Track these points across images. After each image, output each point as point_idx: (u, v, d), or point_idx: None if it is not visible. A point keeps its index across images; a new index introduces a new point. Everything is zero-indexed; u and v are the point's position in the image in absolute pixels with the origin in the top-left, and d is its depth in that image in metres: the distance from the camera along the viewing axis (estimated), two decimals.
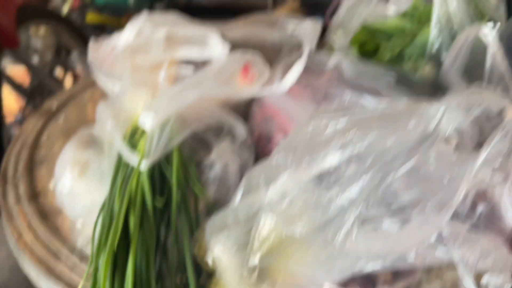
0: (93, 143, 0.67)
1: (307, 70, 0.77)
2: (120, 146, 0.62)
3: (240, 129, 0.72)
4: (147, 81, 0.76)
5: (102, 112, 0.68)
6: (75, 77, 2.24)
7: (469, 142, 0.59)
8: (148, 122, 0.63)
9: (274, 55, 0.85)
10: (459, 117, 0.38)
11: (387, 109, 0.36)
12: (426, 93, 0.69)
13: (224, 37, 0.79)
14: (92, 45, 0.68)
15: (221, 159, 0.67)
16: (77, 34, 2.26)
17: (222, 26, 0.80)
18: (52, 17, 2.15)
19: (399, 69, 0.69)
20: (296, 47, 0.81)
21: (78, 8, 2.82)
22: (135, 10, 2.68)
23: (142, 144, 0.65)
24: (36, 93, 1.96)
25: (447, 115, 0.34)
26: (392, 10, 0.85)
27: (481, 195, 0.56)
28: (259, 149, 0.76)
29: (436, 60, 0.67)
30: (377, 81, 0.65)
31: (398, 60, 0.73)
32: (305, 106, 0.70)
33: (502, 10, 0.70)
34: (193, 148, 0.74)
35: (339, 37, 0.78)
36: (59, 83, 2.14)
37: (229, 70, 0.70)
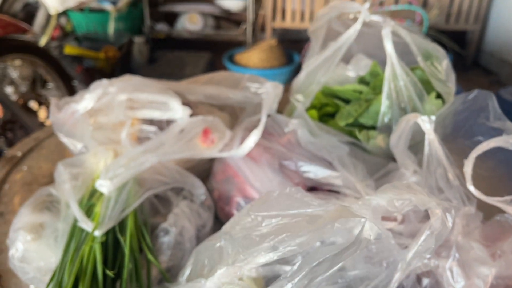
0: (50, 204, 0.68)
1: (267, 131, 0.79)
2: (75, 211, 0.62)
3: (199, 190, 0.74)
4: (109, 140, 0.77)
5: (61, 173, 0.68)
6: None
7: (413, 217, 0.61)
8: (104, 187, 0.64)
9: (238, 113, 0.87)
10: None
11: (318, 211, 0.37)
12: (378, 162, 0.72)
13: (186, 98, 0.82)
14: (53, 107, 0.69)
15: (178, 223, 0.68)
16: (54, 66, 2.26)
17: (187, 86, 0.82)
18: (29, 49, 2.15)
19: (352, 139, 0.71)
20: (258, 107, 0.83)
21: (57, 38, 2.83)
22: (115, 42, 2.70)
23: (99, 207, 0.65)
24: (8, 127, 1.95)
25: (368, 224, 0.36)
26: (352, 72, 0.88)
27: (424, 272, 0.59)
28: (219, 208, 0.77)
29: (388, 130, 0.70)
30: (331, 152, 0.67)
31: (353, 126, 0.75)
32: (263, 170, 0.72)
33: (451, 85, 0.73)
34: (152, 203, 0.75)
35: (299, 100, 0.81)
36: (33, 115, 2.12)
37: (189, 134, 0.71)
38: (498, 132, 0.66)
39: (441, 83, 0.71)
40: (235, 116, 0.92)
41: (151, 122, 0.80)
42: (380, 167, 0.71)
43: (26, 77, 2.30)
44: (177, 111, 0.73)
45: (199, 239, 0.72)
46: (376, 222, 0.38)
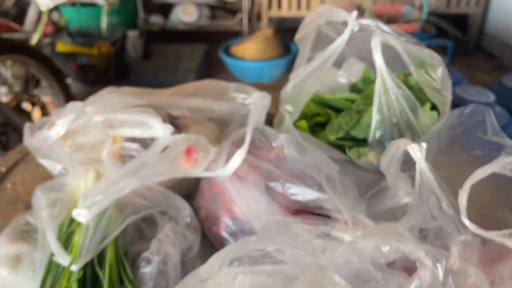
0: (27, 234, 0.65)
1: (255, 144, 0.76)
2: (51, 243, 0.59)
3: (184, 212, 0.71)
4: (90, 159, 0.74)
5: (38, 199, 0.65)
6: (44, 109, 2.20)
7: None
8: (82, 216, 0.61)
9: (228, 121, 0.84)
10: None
11: (295, 271, 0.34)
12: (371, 179, 0.69)
13: (170, 113, 0.78)
14: (26, 131, 0.66)
15: (161, 250, 0.64)
16: (45, 65, 2.22)
17: (169, 99, 0.78)
18: (20, 49, 2.11)
19: (343, 155, 0.68)
20: (246, 118, 0.79)
21: (49, 35, 2.78)
22: (108, 37, 2.65)
23: (78, 236, 0.62)
24: (1, 130, 1.92)
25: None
26: (343, 78, 0.84)
27: None
28: (206, 228, 0.74)
29: (380, 145, 0.67)
30: (320, 171, 0.64)
31: (344, 140, 0.71)
32: (249, 190, 0.68)
33: (447, 93, 0.69)
34: (137, 226, 0.71)
35: (288, 111, 0.77)
36: (27, 117, 2.09)
37: (172, 154, 0.68)
38: (497, 147, 0.62)
39: (436, 92, 0.67)
40: (225, 124, 0.88)
41: (133, 139, 0.77)
42: (373, 183, 0.68)
43: (19, 76, 2.26)
44: (158, 130, 0.69)
45: (185, 263, 0.69)
46: (363, 267, 0.35)
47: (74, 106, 0.64)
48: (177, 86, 0.91)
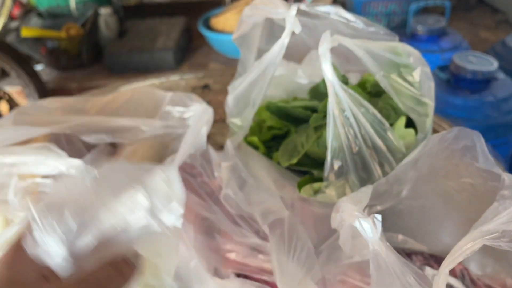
0: None
1: (195, 169, 0.62)
2: None
3: None
4: None
5: None
6: (12, 102, 2.06)
7: None
8: None
9: (161, 151, 0.69)
10: None
11: None
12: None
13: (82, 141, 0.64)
14: None
15: None
16: (10, 53, 2.05)
17: (86, 121, 0.64)
18: None
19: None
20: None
21: (18, 17, 2.59)
22: (78, 16, 2.46)
23: None
24: None
25: None
26: (303, 78, 0.69)
27: None
28: None
29: (341, 176, 0.52)
30: (264, 217, 0.50)
31: (302, 165, 0.57)
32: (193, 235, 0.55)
33: (429, 100, 0.54)
34: None
35: (237, 125, 0.62)
36: None
37: None
38: (492, 176, 0.47)
39: (414, 102, 0.52)
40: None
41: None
42: None
43: None
44: (65, 169, 0.55)
45: None
46: None
47: None
48: (111, 94, 0.76)
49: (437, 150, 0.48)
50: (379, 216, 0.35)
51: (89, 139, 0.61)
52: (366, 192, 0.48)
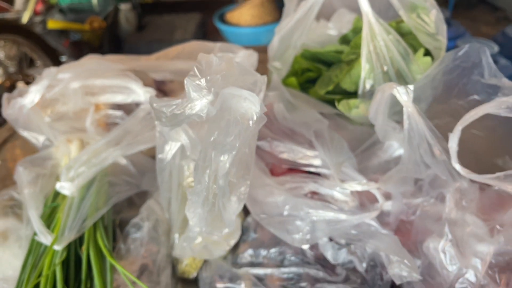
0: (12, 209, 0.63)
1: None
2: (34, 222, 0.57)
3: None
4: (73, 129, 0.72)
5: (20, 176, 0.63)
6: None
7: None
8: (66, 189, 0.59)
9: None
10: None
11: None
12: (364, 131, 0.66)
13: (151, 77, 0.75)
14: (4, 101, 0.63)
15: (151, 216, 0.63)
16: (38, 43, 2.18)
17: (152, 64, 0.75)
18: (10, 28, 2.07)
19: (335, 109, 0.65)
20: None
21: (41, 13, 2.72)
22: (100, 11, 2.59)
23: (61, 213, 0.60)
24: None
25: None
26: (333, 30, 0.80)
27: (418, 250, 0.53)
28: None
29: (371, 97, 0.63)
30: (309, 128, 0.61)
31: (335, 93, 0.68)
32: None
33: (442, 38, 0.65)
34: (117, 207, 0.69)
35: (277, 68, 0.74)
36: None
37: (154, 121, 0.65)
38: (495, 89, 0.59)
39: (430, 37, 0.63)
40: None
41: (118, 106, 0.74)
42: (366, 137, 0.65)
43: (12, 57, 2.23)
44: (139, 95, 0.66)
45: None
46: None
47: (49, 72, 0.61)
48: (161, 51, 0.87)
49: (450, 68, 0.59)
50: (411, 86, 0.46)
51: (157, 76, 0.72)
52: None
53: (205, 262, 0.61)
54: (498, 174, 0.42)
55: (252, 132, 0.41)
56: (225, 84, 0.39)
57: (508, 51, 1.96)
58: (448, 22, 2.10)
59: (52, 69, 0.62)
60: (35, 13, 2.71)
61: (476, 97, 0.62)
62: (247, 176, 0.42)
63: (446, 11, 2.13)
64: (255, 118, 0.40)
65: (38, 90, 0.57)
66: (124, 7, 2.56)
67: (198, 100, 0.38)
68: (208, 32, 2.72)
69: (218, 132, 0.41)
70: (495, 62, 1.75)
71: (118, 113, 0.74)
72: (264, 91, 0.60)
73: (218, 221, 0.43)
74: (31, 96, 0.57)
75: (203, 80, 0.38)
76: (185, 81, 0.38)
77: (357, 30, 0.76)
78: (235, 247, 0.62)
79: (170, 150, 0.55)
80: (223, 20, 2.57)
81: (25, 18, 2.35)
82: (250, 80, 0.43)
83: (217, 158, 0.41)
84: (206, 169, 0.41)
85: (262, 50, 0.87)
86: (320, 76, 0.75)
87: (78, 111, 0.72)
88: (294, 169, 0.60)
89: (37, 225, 0.55)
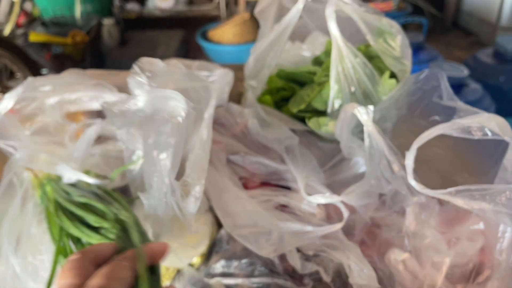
0: None
1: (219, 121, 0.75)
2: None
3: None
4: (52, 143, 0.73)
5: None
6: None
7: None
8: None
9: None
10: None
11: None
12: (334, 148, 0.69)
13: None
14: None
15: None
16: (19, 56, 2.18)
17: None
18: None
19: (306, 126, 0.68)
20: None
21: (23, 25, 2.73)
22: (83, 26, 2.61)
23: None
24: None
25: None
26: (307, 51, 0.84)
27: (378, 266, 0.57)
28: None
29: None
30: (281, 143, 0.64)
31: (307, 112, 0.72)
32: (211, 162, 0.69)
33: (407, 61, 0.70)
34: None
35: (253, 86, 0.77)
36: None
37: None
38: (453, 111, 0.63)
39: (396, 61, 0.67)
40: None
41: (98, 114, 0.76)
42: (335, 153, 0.68)
43: None
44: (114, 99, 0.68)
45: None
46: None
47: (26, 82, 0.63)
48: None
49: (413, 90, 0.63)
50: (371, 106, 0.50)
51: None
52: None
53: (178, 272, 0.63)
54: (449, 189, 0.45)
55: (187, 128, 0.45)
56: (166, 83, 0.43)
57: (479, 74, 2.05)
58: (422, 46, 2.19)
59: (30, 79, 0.64)
60: (17, 26, 2.70)
61: (437, 117, 0.66)
62: (202, 176, 0.46)
63: (420, 36, 2.22)
64: (183, 114, 0.44)
65: (13, 97, 0.59)
66: (107, 22, 2.58)
67: (141, 96, 0.42)
68: (191, 49, 2.76)
69: (153, 133, 0.44)
70: (466, 85, 1.82)
71: (97, 121, 0.75)
72: (216, 98, 0.64)
73: (177, 222, 0.45)
74: (5, 102, 0.59)
75: (143, 77, 0.42)
76: (127, 79, 0.42)
77: (328, 52, 0.80)
78: (208, 258, 0.64)
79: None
80: (205, 37, 2.62)
81: (7, 30, 2.35)
82: (197, 85, 0.47)
83: (158, 157, 0.44)
84: (153, 172, 0.44)
85: (242, 69, 0.91)
86: (293, 95, 0.79)
87: (57, 126, 0.74)
88: (266, 183, 0.62)
89: None
